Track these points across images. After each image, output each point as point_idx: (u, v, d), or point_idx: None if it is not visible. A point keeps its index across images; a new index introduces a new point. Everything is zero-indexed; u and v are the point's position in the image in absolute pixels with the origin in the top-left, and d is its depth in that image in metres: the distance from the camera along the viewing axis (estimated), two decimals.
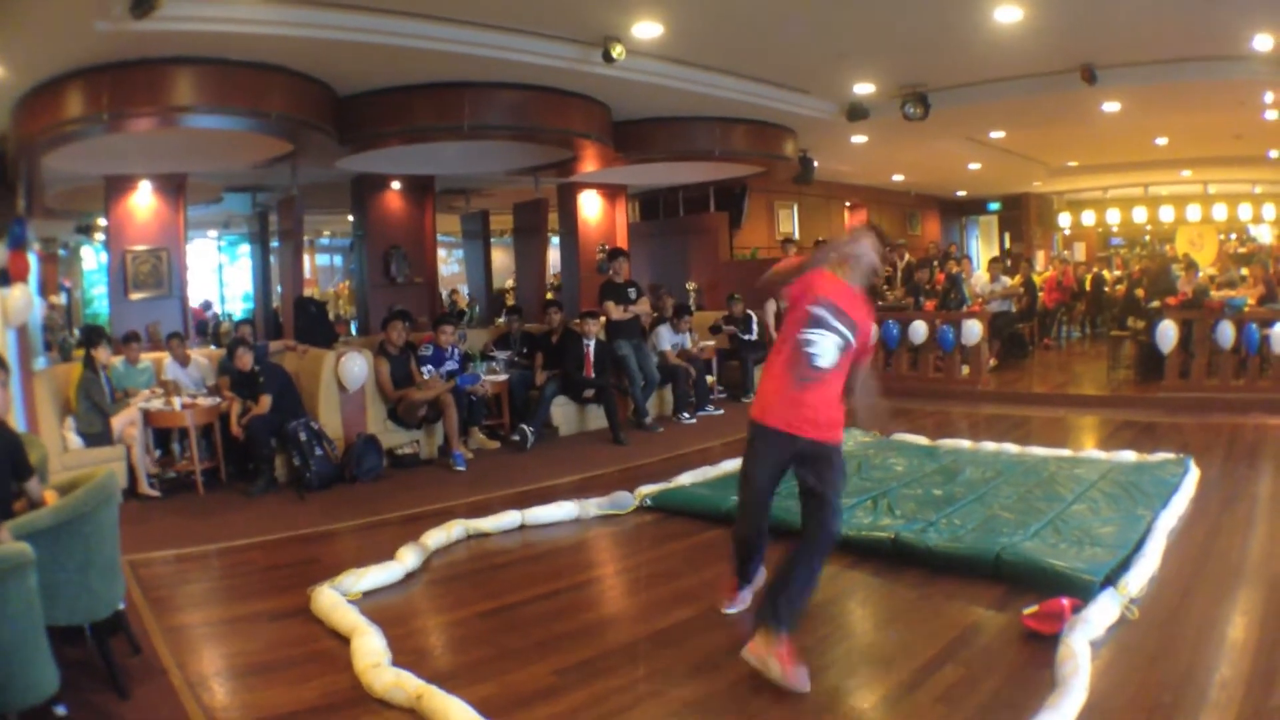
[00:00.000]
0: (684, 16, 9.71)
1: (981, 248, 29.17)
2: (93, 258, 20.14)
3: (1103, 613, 4.94)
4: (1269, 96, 13.31)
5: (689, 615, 5.47)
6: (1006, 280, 17.18)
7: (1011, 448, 9.69)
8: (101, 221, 16.22)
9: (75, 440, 8.74)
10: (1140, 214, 26.21)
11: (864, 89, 13.23)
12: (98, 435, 8.81)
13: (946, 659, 4.75)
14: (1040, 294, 19.83)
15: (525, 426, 10.95)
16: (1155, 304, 13.62)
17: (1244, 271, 15.83)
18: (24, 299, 8.43)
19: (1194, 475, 8.05)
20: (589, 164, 14.09)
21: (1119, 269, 22.59)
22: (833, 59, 11.68)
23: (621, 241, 16.88)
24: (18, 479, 4.60)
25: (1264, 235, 24.71)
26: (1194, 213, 25.37)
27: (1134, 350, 14.54)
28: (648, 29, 9.86)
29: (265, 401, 9.34)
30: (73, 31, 8.11)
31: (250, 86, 9.32)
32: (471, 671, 4.72)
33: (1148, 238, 26.42)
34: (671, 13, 9.57)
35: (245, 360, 9.63)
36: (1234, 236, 24.52)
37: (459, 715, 4.08)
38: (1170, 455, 8.87)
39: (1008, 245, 27.44)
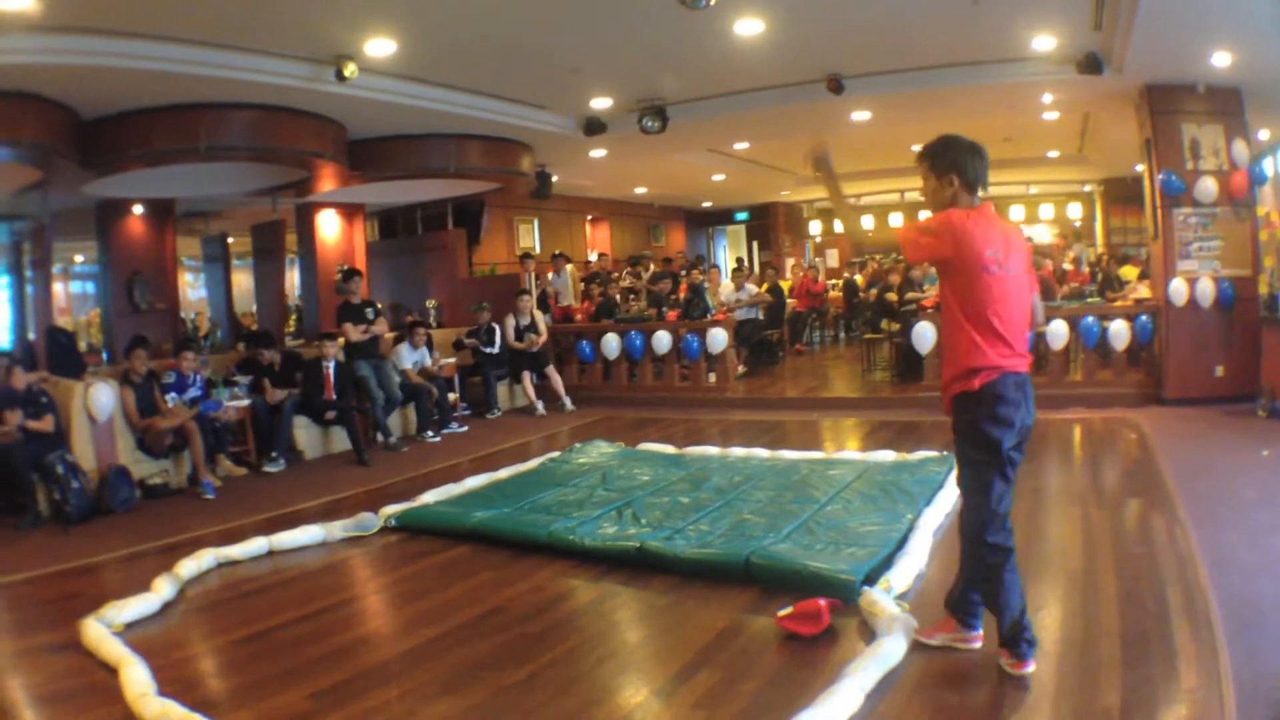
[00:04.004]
0: (417, 34, 9.92)
1: (730, 257, 29.82)
2: None
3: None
4: (1048, 97, 13.64)
5: (438, 633, 5.67)
6: (752, 288, 17.71)
7: (761, 452, 10.05)
8: None
9: None
10: (897, 219, 26.63)
11: (601, 103, 13.60)
12: None
13: (703, 663, 4.91)
14: (790, 301, 20.56)
15: (275, 453, 11.18)
16: (911, 306, 14.15)
17: None
18: None
19: None
20: (326, 183, 14.24)
21: (870, 273, 23.00)
22: (567, 74, 12.02)
23: (360, 261, 17.04)
24: None
25: (1040, 235, 25.79)
26: None
27: (892, 352, 15.07)
28: (381, 46, 10.04)
29: (49, 421, 9.41)
30: None
31: (6, 115, 9.33)
32: (232, 698, 4.89)
33: None
34: (404, 30, 9.79)
35: (20, 379, 9.55)
36: None
37: None
38: (933, 453, 9.21)
39: (756, 254, 28.21)
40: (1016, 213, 26.40)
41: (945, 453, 9.01)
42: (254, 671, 5.28)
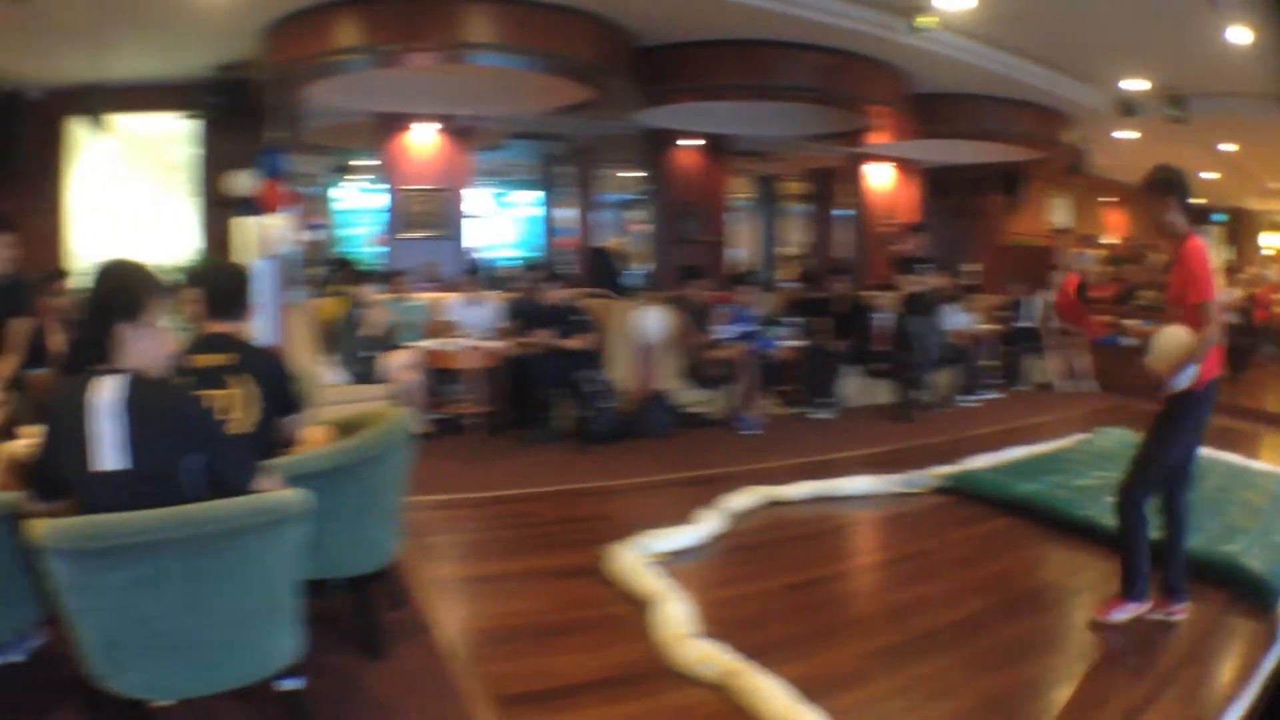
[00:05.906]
0: None
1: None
2: (348, 197, 20.46)
3: None
4: None
5: (987, 605, 5.28)
6: (1234, 292, 16.48)
7: (1234, 459, 9.09)
8: (358, 162, 16.74)
9: (336, 376, 8.58)
10: None
11: (1136, 85, 13.20)
12: (361, 375, 8.56)
13: (1188, 660, 4.64)
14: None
15: (823, 398, 10.82)
16: None
17: None
18: (284, 228, 8.50)
19: None
20: (882, 135, 13.90)
21: None
22: (1113, 51, 11.75)
23: (912, 217, 16.52)
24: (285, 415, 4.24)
25: None
26: None
27: None
28: (960, 1, 9.64)
29: (581, 340, 9.39)
30: None
31: (551, 28, 9.31)
32: (780, 649, 4.45)
33: None
34: None
35: (551, 296, 9.60)
36: None
37: (774, 696, 3.87)
38: None
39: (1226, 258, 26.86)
40: None
41: None
42: (803, 622, 4.99)
